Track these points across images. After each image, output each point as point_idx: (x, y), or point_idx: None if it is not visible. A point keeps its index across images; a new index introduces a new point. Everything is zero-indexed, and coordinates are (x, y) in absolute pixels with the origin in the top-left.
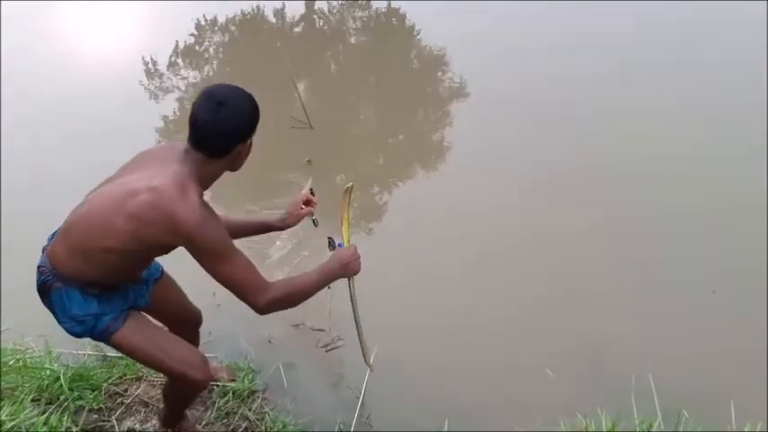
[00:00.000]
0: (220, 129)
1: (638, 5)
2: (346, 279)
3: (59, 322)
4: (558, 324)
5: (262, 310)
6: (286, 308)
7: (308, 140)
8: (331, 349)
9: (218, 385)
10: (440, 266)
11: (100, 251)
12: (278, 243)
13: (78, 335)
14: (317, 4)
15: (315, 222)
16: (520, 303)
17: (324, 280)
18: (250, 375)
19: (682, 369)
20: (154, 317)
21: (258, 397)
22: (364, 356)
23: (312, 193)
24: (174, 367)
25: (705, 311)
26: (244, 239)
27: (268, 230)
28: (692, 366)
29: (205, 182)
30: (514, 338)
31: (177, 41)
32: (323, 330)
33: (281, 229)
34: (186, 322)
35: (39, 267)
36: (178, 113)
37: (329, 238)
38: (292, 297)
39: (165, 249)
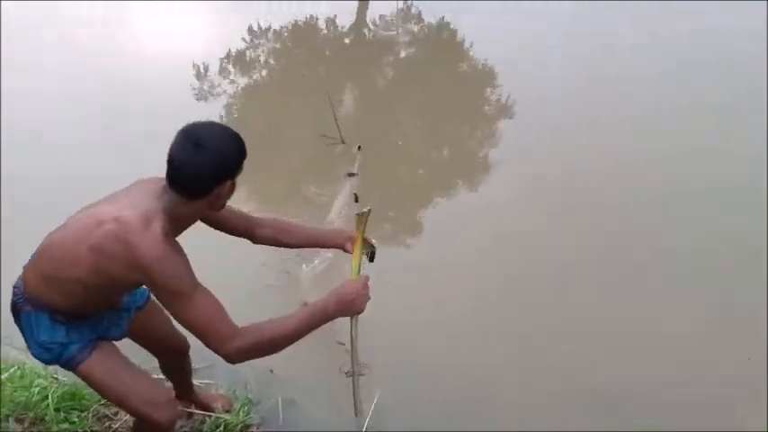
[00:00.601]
0: (197, 172)
1: None
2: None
3: (27, 347)
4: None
5: (229, 358)
6: (263, 355)
7: (347, 153)
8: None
9: (210, 416)
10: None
11: (70, 281)
12: (304, 266)
13: (46, 362)
14: (370, 15)
15: (372, 257)
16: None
17: (314, 322)
18: (246, 407)
19: None
20: (138, 343)
21: None
22: (355, 405)
23: (356, 200)
24: (136, 406)
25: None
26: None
27: (325, 246)
28: None
29: (181, 221)
30: None
31: (230, 49)
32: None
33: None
34: (170, 350)
35: (13, 288)
36: (225, 119)
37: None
38: (269, 344)
39: (130, 285)
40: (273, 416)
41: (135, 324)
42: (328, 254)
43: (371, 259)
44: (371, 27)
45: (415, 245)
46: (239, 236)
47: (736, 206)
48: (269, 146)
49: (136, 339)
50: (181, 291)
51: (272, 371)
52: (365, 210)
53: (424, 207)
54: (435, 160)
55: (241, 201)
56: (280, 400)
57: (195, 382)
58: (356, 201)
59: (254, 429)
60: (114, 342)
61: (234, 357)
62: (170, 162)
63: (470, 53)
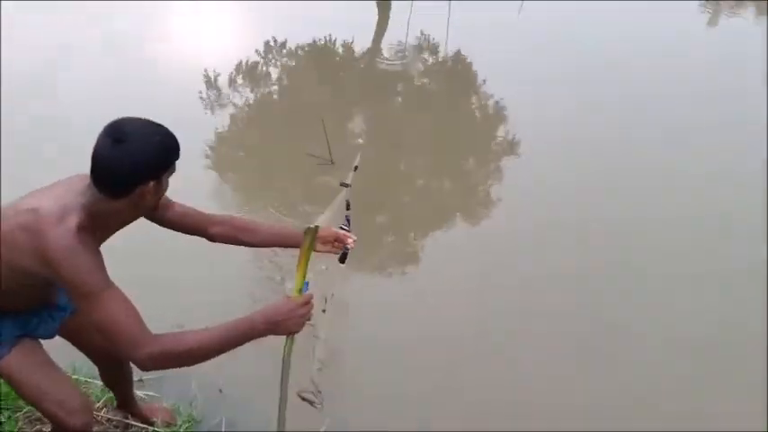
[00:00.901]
0: (114, 169)
1: None
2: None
3: None
4: None
5: (140, 365)
6: (178, 366)
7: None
8: (306, 400)
9: (147, 429)
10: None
11: None
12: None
13: None
14: (387, 40)
15: (343, 258)
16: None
17: (238, 337)
18: (186, 425)
19: None
20: (75, 346)
21: None
22: (279, 426)
23: (348, 207)
24: (50, 409)
25: None
26: None
27: (292, 245)
28: None
29: (105, 219)
30: None
31: (242, 60)
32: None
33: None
34: (108, 357)
35: None
36: (227, 128)
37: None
38: (186, 355)
39: (46, 282)
40: None
41: (71, 325)
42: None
43: (342, 260)
44: (386, 54)
45: (410, 272)
46: (192, 234)
47: None
48: (265, 161)
49: (72, 341)
50: (89, 289)
51: (221, 390)
52: (312, 226)
53: (421, 235)
54: (436, 190)
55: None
56: (224, 420)
57: (140, 393)
58: (348, 208)
59: None
60: (41, 342)
61: (146, 364)
62: (93, 157)
63: (482, 89)
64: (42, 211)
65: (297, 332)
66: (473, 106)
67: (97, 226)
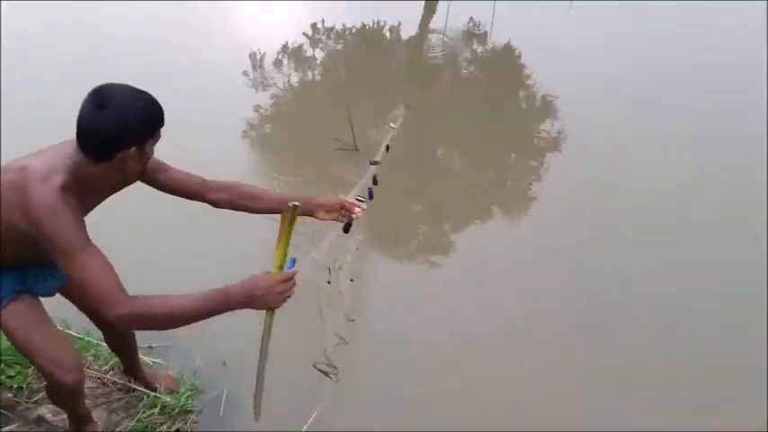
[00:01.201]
0: (95, 133)
1: None
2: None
3: None
4: None
5: (115, 324)
6: (150, 329)
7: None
8: (321, 371)
9: (149, 395)
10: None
11: None
12: None
13: None
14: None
15: (347, 227)
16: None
17: (212, 307)
18: (188, 393)
19: None
20: (76, 306)
21: (189, 418)
22: (255, 406)
23: (375, 182)
24: (43, 364)
25: None
26: None
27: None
28: None
29: (91, 182)
30: None
31: (287, 41)
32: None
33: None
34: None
35: None
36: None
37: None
38: (157, 318)
39: (34, 240)
40: (215, 407)
41: (70, 285)
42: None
43: (346, 230)
44: (433, 41)
45: (442, 263)
46: (190, 199)
47: None
48: (295, 144)
49: (73, 302)
50: (68, 247)
51: (224, 363)
52: (291, 204)
53: (456, 227)
54: (473, 182)
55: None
56: (225, 392)
57: (148, 359)
58: (374, 183)
59: (193, 417)
60: (41, 298)
61: (118, 323)
62: (77, 121)
63: (530, 82)
64: (29, 169)
65: (275, 308)
66: (519, 99)
67: (83, 189)
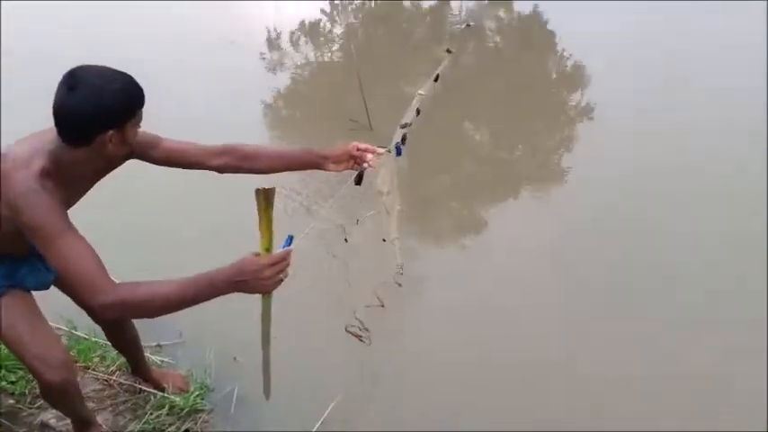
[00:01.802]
0: (69, 116)
1: None
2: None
3: None
4: None
5: (98, 313)
6: (135, 316)
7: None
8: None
9: (156, 395)
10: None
11: None
12: None
13: None
14: None
15: (359, 178)
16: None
17: (198, 293)
18: (197, 392)
19: None
20: (71, 299)
21: (199, 418)
22: (264, 388)
23: (404, 141)
24: (30, 360)
25: None
26: None
27: (298, 168)
28: None
29: (72, 168)
30: None
31: (304, 20)
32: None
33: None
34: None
35: None
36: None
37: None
38: (142, 305)
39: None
40: (226, 405)
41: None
42: None
43: (358, 182)
44: (456, 11)
45: (468, 244)
46: (191, 168)
47: None
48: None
49: (68, 293)
50: (46, 232)
51: (235, 358)
52: (269, 187)
53: (484, 204)
54: (500, 158)
55: None
56: (236, 389)
57: (156, 359)
58: (403, 142)
59: (203, 416)
60: (32, 293)
61: (102, 312)
62: (52, 104)
63: (559, 51)
64: (11, 156)
65: (268, 292)
66: (549, 68)
67: (65, 175)
